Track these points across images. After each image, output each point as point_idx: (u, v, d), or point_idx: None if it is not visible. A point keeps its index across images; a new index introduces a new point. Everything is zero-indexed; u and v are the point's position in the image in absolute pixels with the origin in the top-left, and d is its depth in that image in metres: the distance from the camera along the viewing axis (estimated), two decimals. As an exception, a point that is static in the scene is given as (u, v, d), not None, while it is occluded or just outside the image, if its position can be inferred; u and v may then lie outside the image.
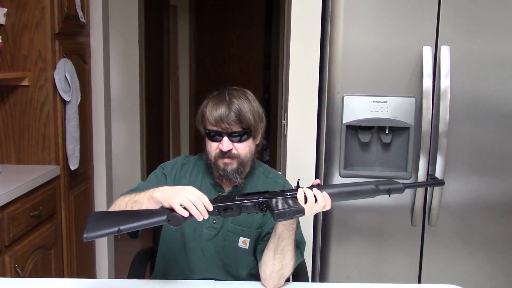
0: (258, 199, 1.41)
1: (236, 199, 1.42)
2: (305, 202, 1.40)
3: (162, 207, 1.38)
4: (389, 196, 1.44)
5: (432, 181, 1.53)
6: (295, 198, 1.40)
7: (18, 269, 2.20)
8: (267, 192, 1.44)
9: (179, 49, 5.79)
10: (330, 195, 1.41)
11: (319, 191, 1.41)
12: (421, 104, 2.14)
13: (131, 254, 1.87)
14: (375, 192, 1.43)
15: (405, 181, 1.50)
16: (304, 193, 1.40)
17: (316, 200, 1.40)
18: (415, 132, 2.16)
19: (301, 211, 1.36)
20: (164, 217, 1.33)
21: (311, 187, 1.42)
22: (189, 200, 1.34)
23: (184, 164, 1.72)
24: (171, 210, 1.35)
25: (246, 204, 1.40)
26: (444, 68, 2.12)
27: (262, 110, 1.64)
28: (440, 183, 1.54)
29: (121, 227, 1.28)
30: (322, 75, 2.28)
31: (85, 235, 1.28)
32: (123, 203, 1.50)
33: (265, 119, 1.65)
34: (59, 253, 2.70)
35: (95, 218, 1.34)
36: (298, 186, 1.43)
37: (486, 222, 2.24)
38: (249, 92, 1.65)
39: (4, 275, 2.11)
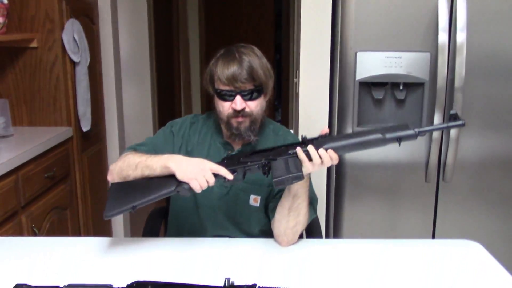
0: (261, 161, 1.41)
1: (241, 160, 1.43)
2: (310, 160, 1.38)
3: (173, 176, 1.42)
4: (399, 145, 1.35)
5: (450, 122, 1.33)
6: (297, 158, 1.38)
7: (35, 229, 2.24)
8: (272, 149, 1.43)
9: (188, 8, 5.69)
10: (335, 149, 1.37)
11: (324, 152, 1.37)
12: (436, 59, 2.09)
13: (146, 212, 1.89)
14: (384, 141, 1.35)
15: (419, 129, 1.33)
16: (309, 153, 1.37)
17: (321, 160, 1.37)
18: (430, 88, 2.12)
19: (300, 177, 1.37)
20: (173, 188, 1.42)
21: (317, 138, 1.39)
22: (206, 181, 1.39)
23: (193, 123, 1.71)
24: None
25: (250, 167, 1.42)
26: (460, 22, 2.06)
27: (270, 66, 1.61)
28: (459, 124, 1.34)
29: (134, 204, 1.41)
30: (334, 30, 2.23)
31: (104, 214, 1.43)
32: (132, 163, 1.49)
33: (273, 75, 1.62)
34: (74, 213, 2.74)
35: (114, 191, 1.47)
36: (303, 142, 1.40)
37: (501, 178, 2.22)
38: (256, 48, 1.61)
39: (21, 235, 2.15)
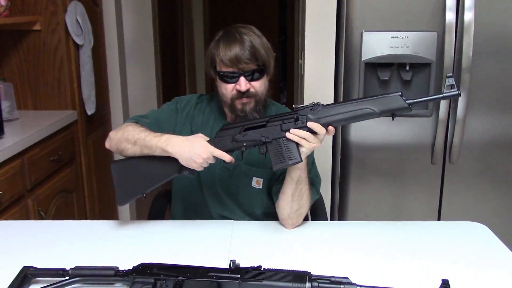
0: (256, 141, 1.42)
1: (235, 139, 1.43)
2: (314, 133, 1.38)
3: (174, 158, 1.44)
4: (393, 119, 1.35)
5: (446, 93, 1.31)
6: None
7: (41, 213, 2.25)
8: (265, 124, 1.42)
9: (192, -10, 5.65)
10: (332, 123, 1.37)
11: (324, 130, 1.37)
12: (443, 39, 2.06)
13: (152, 195, 1.89)
14: (377, 115, 1.34)
15: (412, 100, 1.32)
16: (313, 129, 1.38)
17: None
18: (436, 69, 2.10)
19: (298, 162, 1.39)
20: (177, 173, 1.46)
21: (310, 108, 1.38)
22: (207, 163, 1.42)
23: (197, 103, 1.71)
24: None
25: (246, 147, 1.44)
26: (468, 1, 2.03)
27: (269, 44, 1.59)
28: (454, 94, 1.31)
29: (144, 192, 1.49)
30: (339, 10, 2.20)
31: (118, 203, 1.54)
32: (131, 138, 1.49)
33: (273, 53, 1.61)
34: (80, 197, 2.75)
35: (119, 177, 1.52)
36: (296, 118, 1.39)
37: (507, 159, 2.21)
38: (254, 28, 1.59)
39: (28, 218, 2.16)
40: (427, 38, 2.08)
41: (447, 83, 1.31)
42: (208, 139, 1.45)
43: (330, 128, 1.38)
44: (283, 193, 1.53)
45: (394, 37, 2.08)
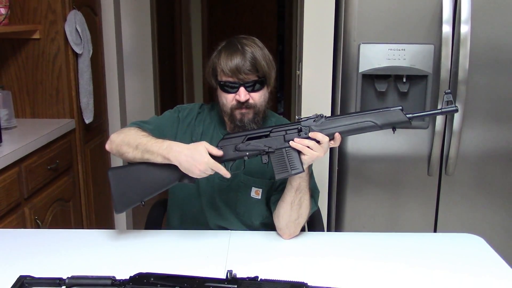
0: (259, 151, 1.44)
1: (238, 149, 1.44)
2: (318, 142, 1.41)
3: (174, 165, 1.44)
4: (394, 132, 1.39)
5: (444, 108, 1.37)
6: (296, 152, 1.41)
7: (38, 221, 2.25)
8: (268, 134, 1.44)
9: (191, 0, 5.68)
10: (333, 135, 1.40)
11: (327, 140, 1.40)
12: (440, 51, 2.08)
13: (149, 205, 1.89)
14: (378, 128, 1.38)
15: (412, 115, 1.37)
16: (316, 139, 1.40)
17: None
18: (433, 81, 2.11)
19: (300, 172, 1.41)
20: (177, 181, 1.47)
21: (313, 119, 1.41)
22: (206, 173, 1.42)
23: (199, 113, 1.72)
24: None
25: (249, 157, 1.45)
26: (464, 14, 2.05)
27: (271, 57, 1.61)
28: (452, 110, 1.37)
29: (143, 199, 1.48)
30: (337, 22, 2.22)
31: (115, 210, 1.51)
32: (133, 142, 1.48)
33: (275, 65, 1.62)
34: (77, 205, 2.74)
35: (117, 184, 1.49)
36: (299, 129, 1.41)
37: (503, 171, 2.22)
38: (257, 39, 1.61)
39: (24, 227, 2.16)
40: (424, 51, 2.10)
41: (445, 99, 1.36)
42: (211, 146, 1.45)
43: (337, 135, 1.40)
44: (282, 200, 1.54)
45: (391, 49, 2.10)
